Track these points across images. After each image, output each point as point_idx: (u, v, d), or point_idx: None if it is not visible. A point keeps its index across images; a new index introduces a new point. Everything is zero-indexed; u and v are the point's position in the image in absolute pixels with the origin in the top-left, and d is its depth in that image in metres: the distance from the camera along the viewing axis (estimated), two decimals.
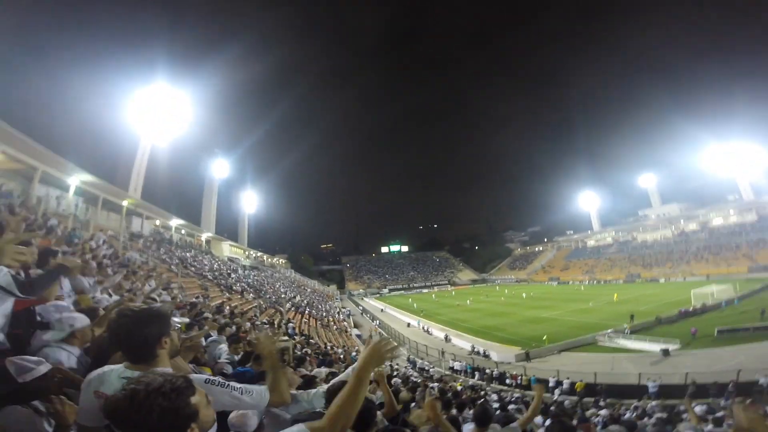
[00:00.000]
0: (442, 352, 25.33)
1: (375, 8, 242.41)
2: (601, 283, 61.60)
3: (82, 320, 2.39)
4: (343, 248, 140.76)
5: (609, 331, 23.92)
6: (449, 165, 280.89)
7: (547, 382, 17.09)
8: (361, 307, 60.91)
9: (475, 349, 25.13)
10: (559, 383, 16.89)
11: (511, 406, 11.47)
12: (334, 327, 34.00)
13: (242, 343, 5.44)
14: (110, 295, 5.41)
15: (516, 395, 15.00)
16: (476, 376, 21.02)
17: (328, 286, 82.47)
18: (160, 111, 41.73)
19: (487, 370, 20.81)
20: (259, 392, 1.61)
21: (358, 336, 34.67)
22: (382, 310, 54.13)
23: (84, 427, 1.48)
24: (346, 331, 34.63)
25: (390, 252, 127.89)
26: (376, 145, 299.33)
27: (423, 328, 36.09)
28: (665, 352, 19.09)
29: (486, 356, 23.78)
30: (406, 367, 22.76)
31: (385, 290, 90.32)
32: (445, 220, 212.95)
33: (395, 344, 1.51)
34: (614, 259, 72.92)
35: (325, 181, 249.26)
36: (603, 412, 10.99)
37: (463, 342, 28.02)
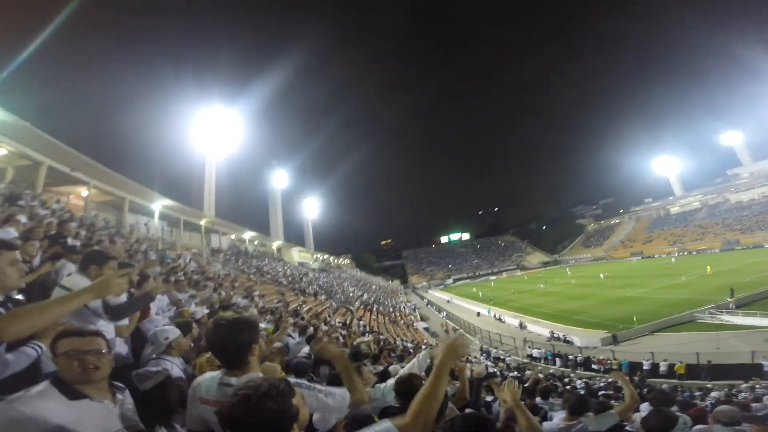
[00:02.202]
0: (525, 341, 24.34)
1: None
2: (693, 254, 54.88)
3: (173, 332, 2.64)
4: (402, 242, 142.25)
5: (710, 306, 21.29)
6: (505, 145, 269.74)
7: (640, 365, 15.78)
8: (426, 300, 60.90)
9: (555, 335, 23.89)
10: (654, 366, 15.48)
11: (601, 393, 10.80)
12: (402, 321, 34.47)
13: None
14: (205, 308, 6.03)
15: (609, 380, 14.02)
16: (558, 363, 20.02)
17: (392, 281, 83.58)
18: (220, 132, 45.37)
19: (570, 357, 19.69)
20: (341, 394, 1.69)
21: (426, 329, 34.79)
22: (448, 301, 53.54)
23: None
24: (413, 325, 34.94)
25: (450, 241, 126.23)
26: (429, 137, 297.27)
27: (494, 316, 35.11)
28: None
29: (567, 342, 22.48)
30: (476, 357, 22.39)
31: (449, 280, 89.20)
32: (506, 203, 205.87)
33: (468, 339, 1.49)
34: (705, 226, 64.42)
35: (380, 178, 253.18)
36: (714, 394, 9.89)
37: (540, 328, 26.75)
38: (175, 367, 2.44)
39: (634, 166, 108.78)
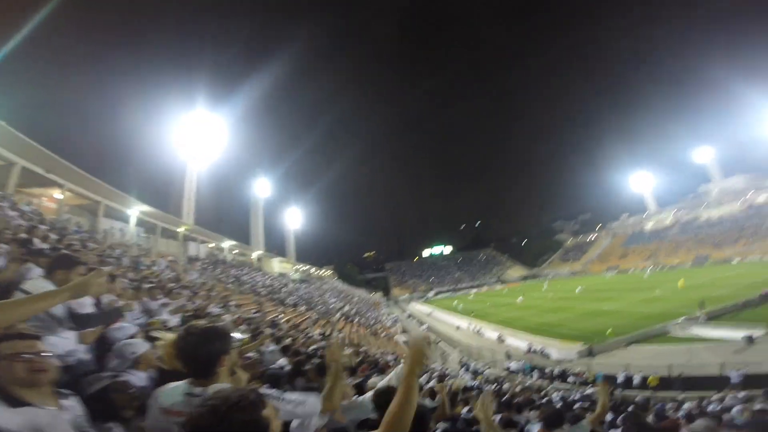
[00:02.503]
0: (508, 355, 24.34)
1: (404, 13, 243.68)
2: (666, 269, 56.82)
3: (142, 346, 2.53)
4: (385, 255, 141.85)
5: (681, 319, 21.98)
6: (485, 160, 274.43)
7: (615, 377, 16.03)
8: (407, 312, 60.73)
9: (532, 348, 24.10)
10: (628, 378, 15.75)
11: (576, 405, 10.88)
12: (383, 334, 34.16)
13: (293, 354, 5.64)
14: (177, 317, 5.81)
15: (584, 393, 14.16)
16: (535, 376, 20.14)
17: (374, 293, 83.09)
18: (202, 137, 44.53)
19: (547, 369, 19.86)
20: (312, 403, 1.67)
21: (406, 342, 34.59)
22: (429, 314, 53.53)
23: None
24: (394, 338, 34.68)
25: (432, 255, 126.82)
26: (412, 149, 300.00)
27: (474, 329, 35.22)
28: (749, 340, 17.16)
29: (544, 355, 22.71)
30: (454, 370, 22.30)
31: (431, 293, 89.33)
32: (487, 217, 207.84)
33: (432, 342, 1.49)
34: (678, 241, 67.02)
35: (363, 190, 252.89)
36: (686, 405, 10.13)
37: (518, 341, 26.94)
38: (140, 382, 2.31)
39: (612, 182, 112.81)
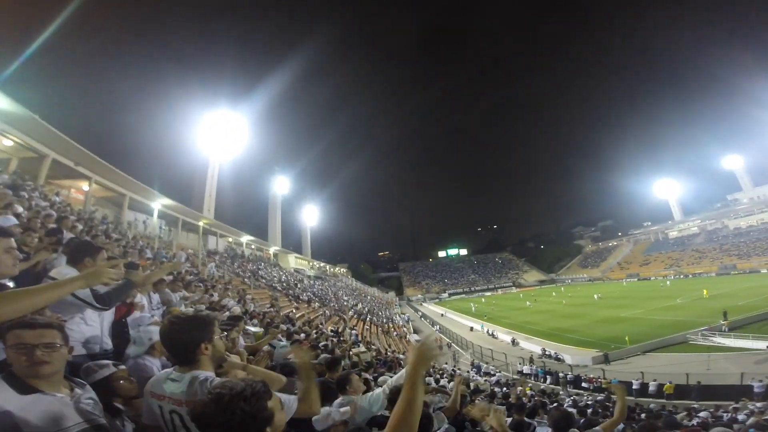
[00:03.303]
0: (531, 359, 23.76)
1: (422, 23, 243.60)
2: (689, 278, 55.01)
3: (157, 333, 2.55)
4: (400, 255, 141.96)
5: (703, 328, 21.32)
6: (506, 163, 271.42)
7: (630, 384, 15.73)
8: (420, 313, 60.57)
9: (546, 352, 23.81)
10: (643, 385, 15.43)
11: (589, 410, 10.80)
12: (395, 333, 34.27)
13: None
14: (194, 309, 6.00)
15: (598, 398, 13.98)
16: (548, 380, 19.92)
17: (387, 292, 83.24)
18: (224, 135, 45.73)
19: (561, 374, 19.61)
20: (288, 402, 1.62)
21: (418, 341, 34.44)
22: (442, 314, 53.25)
23: (146, 426, 1.59)
24: (406, 337, 34.74)
25: (448, 256, 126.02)
26: (431, 150, 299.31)
27: (487, 331, 34.95)
28: None
29: (558, 359, 22.40)
30: (468, 372, 22.24)
31: (445, 294, 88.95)
32: (505, 221, 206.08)
33: (439, 344, 1.42)
34: (703, 251, 64.84)
35: (381, 190, 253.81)
36: (702, 414, 9.93)
37: (532, 345, 26.66)
38: (154, 368, 2.45)
39: (635, 190, 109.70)
